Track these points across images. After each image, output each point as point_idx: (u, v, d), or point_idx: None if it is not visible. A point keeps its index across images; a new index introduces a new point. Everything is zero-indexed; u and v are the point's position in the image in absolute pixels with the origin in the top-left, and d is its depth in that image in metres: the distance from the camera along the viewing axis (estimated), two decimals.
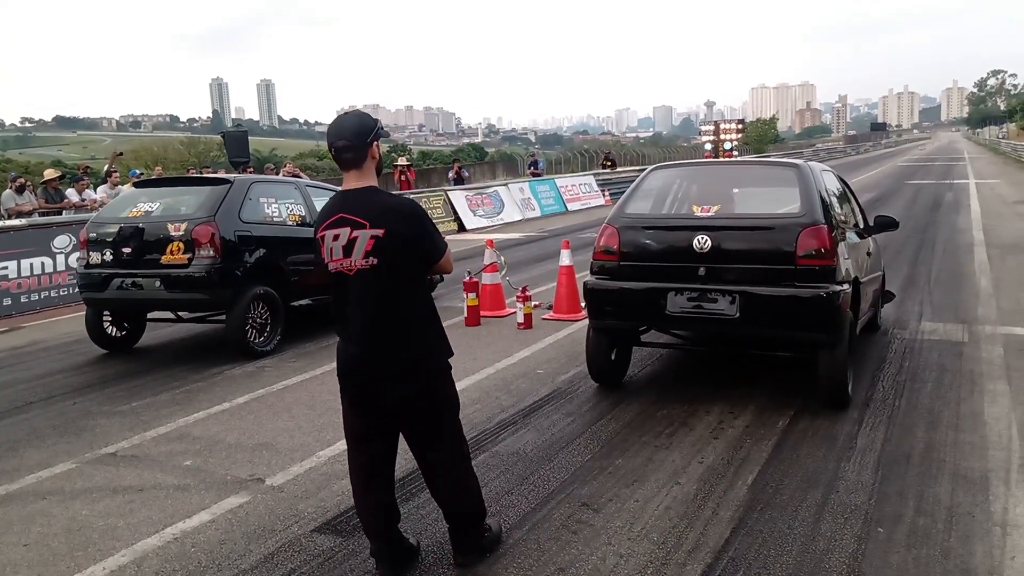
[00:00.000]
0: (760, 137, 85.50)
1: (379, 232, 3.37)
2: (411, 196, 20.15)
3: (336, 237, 3.42)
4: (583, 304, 6.57)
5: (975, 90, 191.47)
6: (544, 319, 8.85)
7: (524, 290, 8.60)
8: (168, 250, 7.63)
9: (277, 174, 19.83)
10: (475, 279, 8.89)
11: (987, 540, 3.75)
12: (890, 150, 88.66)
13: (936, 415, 5.41)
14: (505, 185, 24.77)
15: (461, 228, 20.71)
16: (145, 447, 5.46)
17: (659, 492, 4.37)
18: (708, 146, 17.13)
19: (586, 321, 6.29)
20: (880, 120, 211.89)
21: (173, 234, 7.65)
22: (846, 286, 5.48)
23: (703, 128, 17.02)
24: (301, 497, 4.51)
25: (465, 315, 8.83)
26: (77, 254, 10.05)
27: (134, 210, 8.06)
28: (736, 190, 6.43)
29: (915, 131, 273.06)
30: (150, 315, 8.54)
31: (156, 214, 7.95)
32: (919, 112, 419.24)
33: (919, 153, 75.08)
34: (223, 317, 7.93)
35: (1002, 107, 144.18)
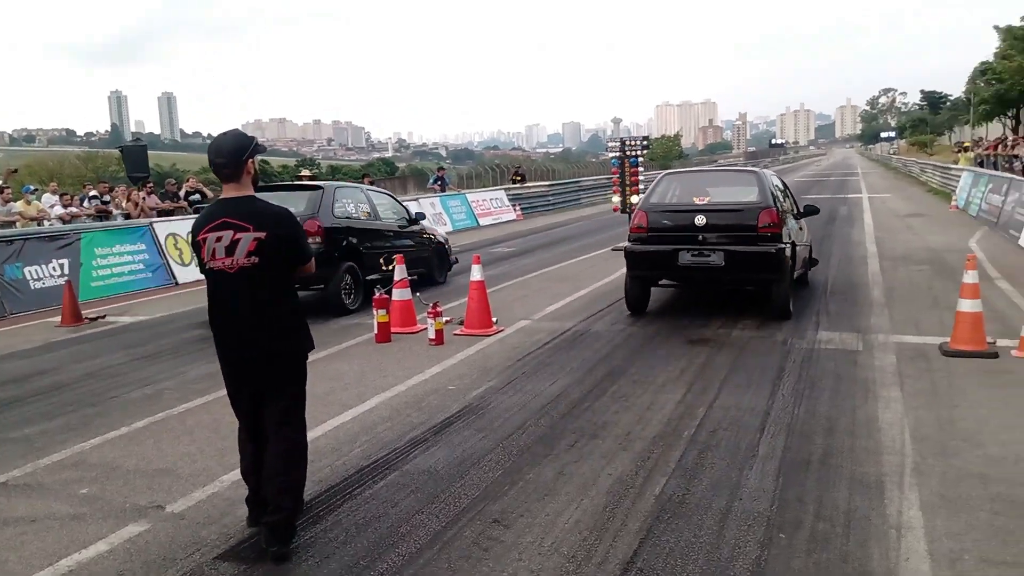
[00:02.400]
0: (665, 153, 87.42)
1: (261, 235, 3.88)
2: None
3: (219, 239, 3.91)
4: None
5: (867, 108, 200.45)
6: (456, 335, 8.82)
7: (435, 306, 8.55)
8: None
9: (179, 190, 19.28)
10: (385, 295, 8.80)
11: (883, 543, 3.89)
12: (788, 165, 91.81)
13: (833, 422, 5.61)
14: (415, 200, 24.64)
15: None
16: (39, 475, 5.21)
17: (569, 505, 4.39)
18: (614, 160, 17.29)
19: (497, 336, 8.01)
20: (778, 136, 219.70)
21: None
22: (788, 246, 8.86)
23: (610, 144, 17.18)
24: (203, 524, 4.36)
25: (375, 332, 8.72)
26: None
27: None
28: (718, 187, 9.76)
29: (811, 147, 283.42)
30: None
31: None
32: (815, 129, 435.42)
33: (815, 168, 78.13)
34: (320, 287, 10.42)
35: (893, 124, 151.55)
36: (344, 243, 10.69)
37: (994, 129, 57.46)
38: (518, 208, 28.87)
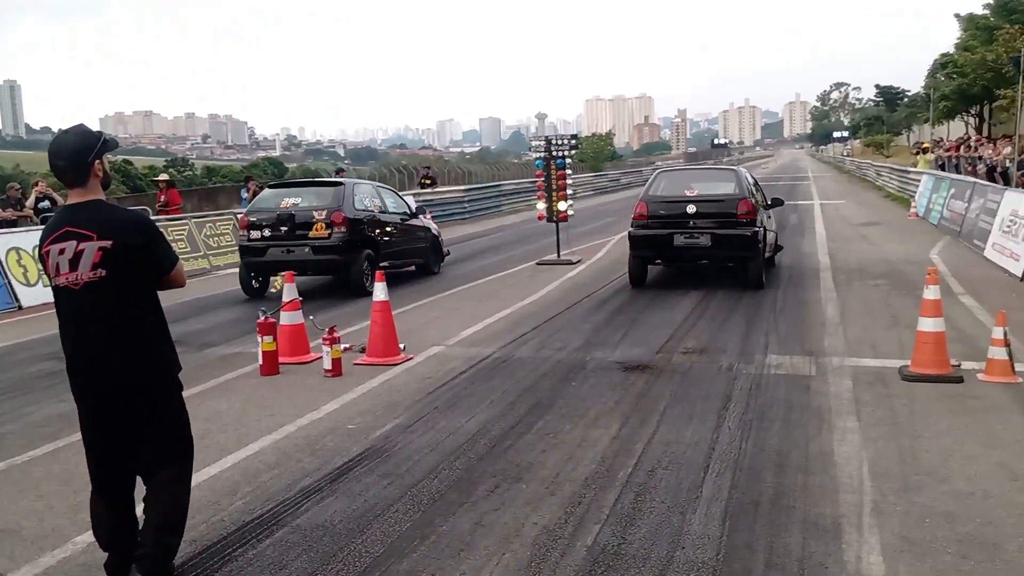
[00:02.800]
0: (596, 153, 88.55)
1: (107, 243, 3.79)
2: (194, 219, 19.39)
3: (62, 251, 3.82)
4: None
5: (818, 104, 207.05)
6: (356, 364, 8.75)
7: (331, 331, 8.47)
8: (314, 228, 13.39)
9: (23, 196, 18.64)
10: (271, 319, 8.65)
11: None
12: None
13: (785, 456, 5.75)
14: None
15: None
16: None
17: (489, 561, 4.39)
18: (539, 162, 17.40)
19: (405, 365, 8.57)
20: (721, 135, 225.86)
21: (317, 218, 13.43)
22: (761, 229, 12.53)
23: (534, 143, 17.27)
24: None
25: (260, 362, 8.58)
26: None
27: (285, 202, 13.79)
28: (704, 182, 13.63)
29: (757, 148, 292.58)
30: None
31: (302, 205, 13.74)
32: (761, 128, 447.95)
33: (762, 172, 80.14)
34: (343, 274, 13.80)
35: (846, 122, 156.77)
36: (364, 233, 13.94)
37: (956, 128, 59.83)
38: (429, 215, 28.83)
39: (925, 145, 39.43)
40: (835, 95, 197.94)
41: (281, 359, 8.79)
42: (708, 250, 12.67)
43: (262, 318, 8.58)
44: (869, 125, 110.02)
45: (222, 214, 21.24)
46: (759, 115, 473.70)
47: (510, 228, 26.95)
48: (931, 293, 7.66)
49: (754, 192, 13.41)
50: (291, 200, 13.88)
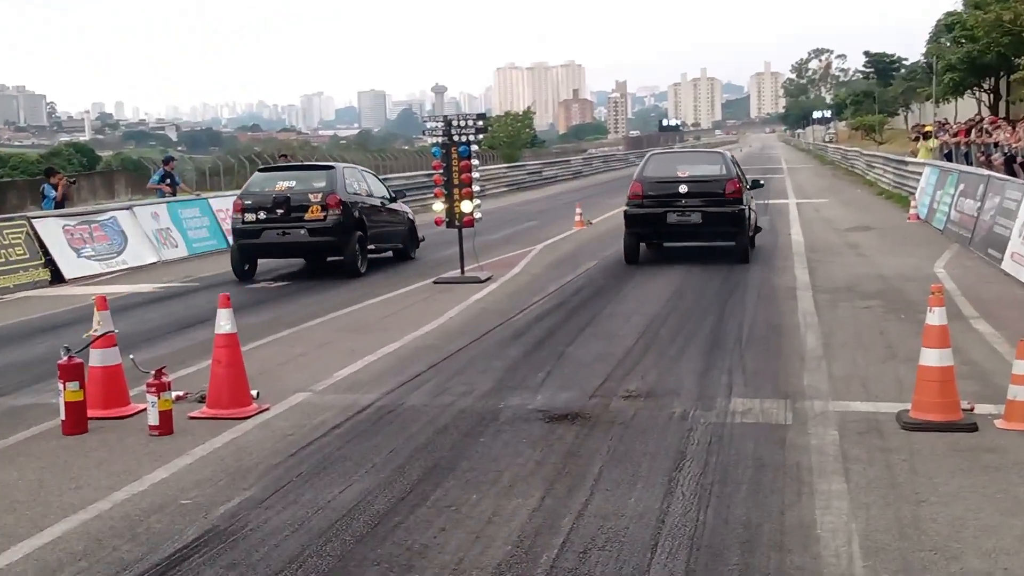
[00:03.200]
0: (512, 139, 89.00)
1: None
2: None
3: None
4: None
5: (793, 76, 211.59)
6: (193, 418, 8.61)
7: (159, 374, 8.30)
8: (310, 210, 17.50)
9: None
10: (77, 360, 8.42)
11: None
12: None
13: (754, 531, 5.80)
14: (129, 209, 23.98)
15: (57, 278, 19.71)
16: None
17: None
18: (435, 149, 17.34)
19: (259, 418, 8.61)
20: (672, 115, 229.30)
21: (312, 200, 17.55)
22: (746, 208, 18.04)
23: (429, 125, 17.09)
24: None
25: (63, 417, 8.35)
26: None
27: (279, 185, 17.99)
28: (693, 164, 19.19)
29: (717, 132, 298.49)
30: None
31: (297, 188, 17.90)
32: (721, 105, 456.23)
33: None
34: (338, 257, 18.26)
35: (828, 99, 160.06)
36: (355, 215, 18.10)
37: (965, 107, 61.37)
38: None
39: (927, 128, 39.79)
40: (814, 65, 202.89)
41: (91, 412, 8.58)
42: (699, 227, 17.82)
43: (64, 358, 8.35)
44: (857, 103, 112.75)
45: (9, 219, 20.51)
46: (719, 89, 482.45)
47: None
48: (936, 317, 7.75)
49: (740, 172, 19.25)
50: (285, 183, 18.12)
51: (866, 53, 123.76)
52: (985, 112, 50.48)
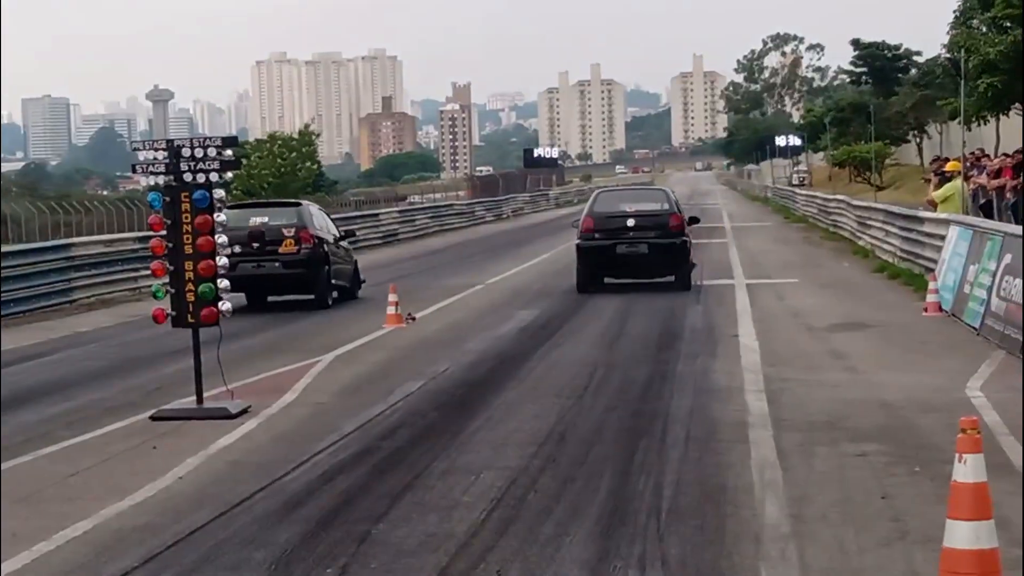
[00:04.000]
0: (282, 178, 69.86)
1: None
2: None
3: None
4: None
5: (740, 81, 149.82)
6: None
7: None
8: (283, 244, 22.09)
9: None
10: None
11: None
12: (566, 211, 76.15)
13: None
14: None
15: None
16: None
17: None
18: (154, 196, 12.31)
19: None
20: (543, 139, 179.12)
21: (286, 234, 22.17)
22: (688, 239, 26.28)
23: (142, 156, 11.67)
24: None
25: None
26: None
27: (252, 222, 22.39)
28: (639, 201, 28.03)
29: (620, 168, 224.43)
30: None
31: (271, 223, 22.60)
32: (625, 125, 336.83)
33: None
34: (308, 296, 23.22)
35: (796, 116, 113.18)
36: (323, 250, 22.24)
37: (1010, 130, 41.66)
38: None
39: (952, 165, 27.61)
40: (773, 61, 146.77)
41: None
42: (646, 256, 22.54)
43: None
44: (842, 123, 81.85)
45: None
46: (620, 99, 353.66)
47: (88, 339, 21.24)
48: (969, 471, 5.97)
49: (683, 208, 25.41)
50: (258, 219, 21.70)
51: (855, 43, 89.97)
52: None
